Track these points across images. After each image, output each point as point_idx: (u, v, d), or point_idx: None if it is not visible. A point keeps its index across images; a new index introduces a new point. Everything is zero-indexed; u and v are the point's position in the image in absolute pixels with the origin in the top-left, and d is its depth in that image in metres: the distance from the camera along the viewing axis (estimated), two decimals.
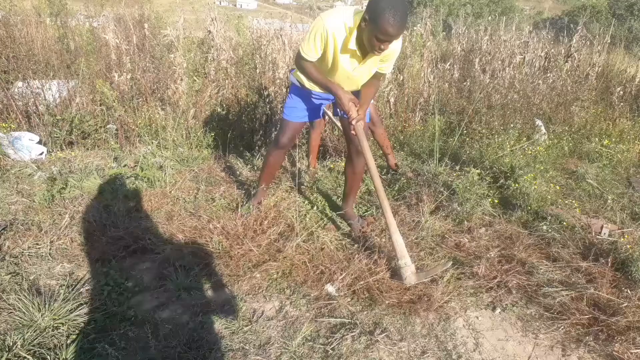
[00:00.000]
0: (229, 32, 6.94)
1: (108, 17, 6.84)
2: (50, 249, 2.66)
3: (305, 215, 3.18)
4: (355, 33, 2.40)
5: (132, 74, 5.09)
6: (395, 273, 2.60)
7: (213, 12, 6.80)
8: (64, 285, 2.38)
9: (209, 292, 2.45)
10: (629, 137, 4.98)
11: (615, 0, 26.05)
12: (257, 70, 5.58)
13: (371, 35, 2.28)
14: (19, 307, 2.12)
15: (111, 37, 5.78)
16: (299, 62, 2.63)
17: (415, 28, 7.32)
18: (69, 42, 6.74)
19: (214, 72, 5.95)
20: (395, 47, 2.52)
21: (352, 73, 2.62)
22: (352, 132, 2.73)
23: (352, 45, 2.44)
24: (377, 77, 2.73)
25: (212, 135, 4.32)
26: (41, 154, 3.99)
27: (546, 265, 2.82)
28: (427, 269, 2.68)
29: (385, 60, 2.60)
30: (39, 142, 4.10)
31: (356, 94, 2.80)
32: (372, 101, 3.98)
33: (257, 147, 4.45)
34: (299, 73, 2.81)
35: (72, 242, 2.75)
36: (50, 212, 3.03)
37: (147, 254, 2.72)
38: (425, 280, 2.56)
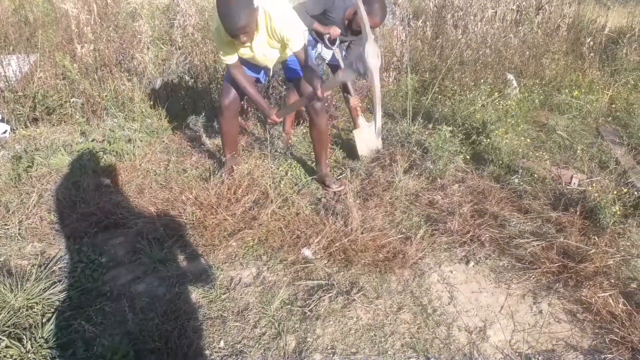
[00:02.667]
0: None
1: None
2: (19, 229, 2.61)
3: (279, 181, 3.17)
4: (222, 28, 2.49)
5: (95, 44, 4.91)
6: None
7: None
8: (35, 264, 2.35)
9: (185, 263, 2.45)
10: (598, 87, 5.02)
11: None
12: None
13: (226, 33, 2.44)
14: None
15: (70, 7, 5.54)
16: (230, 72, 2.85)
17: None
18: (26, 13, 6.45)
19: (180, 39, 5.78)
20: (277, 27, 2.58)
21: (255, 56, 2.75)
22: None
23: (227, 36, 2.52)
24: (302, 63, 2.80)
25: (181, 105, 4.22)
26: (4, 132, 3.86)
27: (518, 217, 2.88)
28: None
29: (283, 40, 2.65)
30: (2, 121, 3.96)
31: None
32: (342, 64, 3.94)
33: None
34: None
35: (42, 220, 2.70)
36: (17, 191, 2.96)
37: (119, 229, 2.69)
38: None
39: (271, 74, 3.11)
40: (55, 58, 4.44)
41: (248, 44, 2.60)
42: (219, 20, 2.42)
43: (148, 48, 5.20)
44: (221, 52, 2.73)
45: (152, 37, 5.48)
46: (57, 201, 2.85)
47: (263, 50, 2.73)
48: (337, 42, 3.58)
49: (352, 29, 3.50)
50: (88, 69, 4.61)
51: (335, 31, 3.45)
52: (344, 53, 3.73)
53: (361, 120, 3.77)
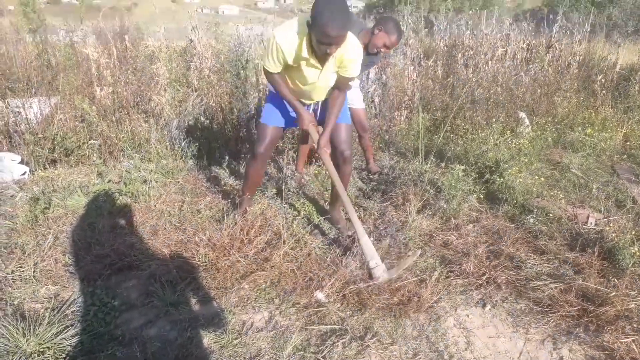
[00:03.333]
0: (211, 40, 6.93)
1: (87, 31, 6.79)
2: (34, 272, 2.63)
3: (292, 221, 3.17)
4: (305, 41, 2.45)
5: (114, 87, 5.06)
6: (369, 276, 2.61)
7: (194, 20, 6.79)
8: (49, 308, 2.35)
9: (197, 307, 2.43)
10: (611, 125, 5.01)
11: None
12: (240, 77, 5.56)
13: (315, 40, 2.34)
14: (3, 334, 2.09)
15: (91, 51, 5.74)
16: (267, 75, 2.72)
17: None
18: (49, 58, 6.69)
19: (197, 81, 5.93)
20: (351, 57, 2.56)
21: (317, 81, 2.67)
22: (317, 154, 2.86)
23: (305, 53, 2.48)
24: (339, 87, 2.75)
25: (196, 146, 4.29)
26: (24, 174, 3.95)
27: (534, 258, 2.83)
28: (397, 264, 2.69)
29: (344, 68, 2.62)
30: (21, 162, 4.05)
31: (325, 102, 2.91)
32: (363, 104, 4.00)
33: (242, 155, 4.43)
34: None
35: (57, 263, 2.72)
36: (33, 233, 3.00)
37: (133, 271, 2.69)
38: (396, 275, 2.58)
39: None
40: (75, 101, 4.57)
41: (318, 67, 2.56)
42: (291, 37, 2.41)
43: (165, 90, 5.34)
44: (267, 64, 2.60)
45: (169, 80, 5.63)
46: (72, 243, 2.87)
47: (328, 74, 2.66)
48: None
49: (367, 50, 3.53)
50: (106, 111, 4.74)
51: None
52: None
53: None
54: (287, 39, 2.47)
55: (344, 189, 2.89)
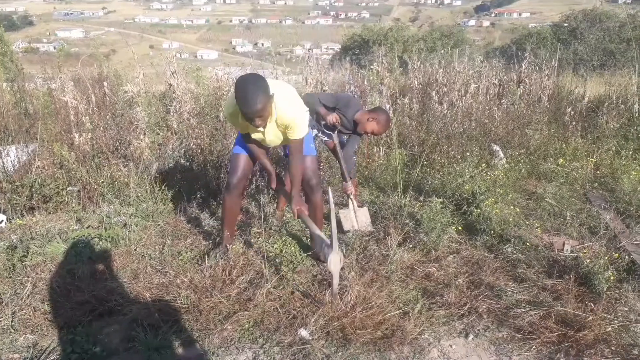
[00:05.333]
0: (190, 84, 7.04)
1: (65, 79, 6.83)
2: (12, 321, 2.57)
3: (274, 260, 3.18)
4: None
5: (93, 133, 5.08)
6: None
7: (172, 65, 6.91)
8: (27, 357, 2.30)
9: (180, 350, 2.40)
10: (582, 154, 5.18)
11: (558, 27, 27.48)
12: (219, 119, 5.64)
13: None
14: None
15: (69, 98, 5.78)
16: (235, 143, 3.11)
17: (372, 67, 7.58)
18: (26, 105, 6.71)
19: (177, 124, 5.99)
20: (287, 120, 2.76)
21: (265, 138, 2.91)
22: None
23: (243, 119, 2.69)
24: (292, 151, 2.93)
25: (176, 188, 4.30)
26: (0, 222, 3.89)
27: (513, 286, 2.88)
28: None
29: (288, 128, 2.81)
30: None
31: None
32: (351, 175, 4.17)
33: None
34: None
35: (35, 311, 2.66)
36: (11, 282, 2.94)
37: (114, 316, 2.65)
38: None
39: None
40: (54, 148, 4.56)
41: (261, 129, 2.76)
42: (235, 103, 2.56)
43: (144, 134, 5.37)
44: (226, 118, 2.93)
45: (149, 124, 5.68)
46: (51, 290, 2.83)
47: (274, 134, 2.88)
48: (336, 131, 3.84)
49: (356, 130, 3.93)
50: (85, 157, 4.74)
51: (333, 118, 3.79)
52: (344, 138, 3.99)
53: (354, 204, 3.87)
54: (231, 105, 2.70)
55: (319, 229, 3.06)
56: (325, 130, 3.92)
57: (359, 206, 3.98)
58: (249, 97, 2.48)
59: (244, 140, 3.06)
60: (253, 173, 4.12)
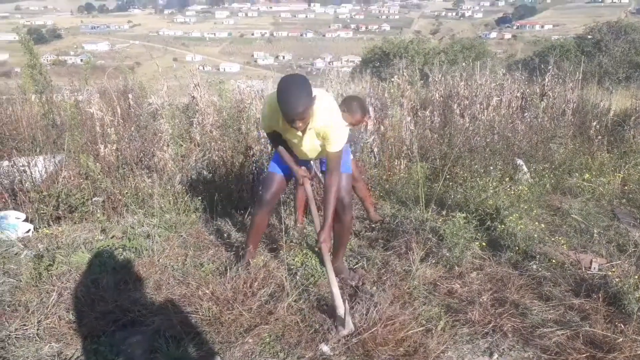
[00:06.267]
0: (213, 97, 7.13)
1: (92, 91, 6.99)
2: (37, 330, 2.61)
3: (295, 273, 3.17)
4: None
5: (118, 144, 5.17)
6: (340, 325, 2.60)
7: (196, 78, 7.02)
8: None
9: None
10: (608, 170, 5.08)
11: (582, 39, 27.18)
12: (242, 131, 5.69)
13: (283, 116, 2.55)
14: None
15: (96, 110, 5.91)
16: (266, 133, 2.98)
17: (393, 79, 7.58)
18: (54, 117, 6.87)
19: (199, 136, 6.06)
20: (326, 125, 2.67)
21: (302, 144, 2.82)
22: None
23: (285, 123, 2.65)
24: (329, 168, 2.81)
25: (199, 199, 4.34)
26: (28, 231, 3.98)
27: (539, 305, 2.82)
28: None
29: (325, 138, 2.73)
30: (26, 220, 4.09)
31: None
32: (354, 155, 4.09)
33: (245, 207, 4.47)
34: None
35: (60, 320, 2.70)
36: (37, 290, 2.99)
37: (137, 327, 2.67)
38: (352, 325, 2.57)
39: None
40: (80, 159, 4.66)
41: (299, 134, 2.71)
42: (276, 103, 2.52)
43: (168, 145, 5.45)
44: (261, 123, 2.92)
45: (172, 135, 5.76)
46: (76, 300, 2.87)
47: (311, 142, 2.80)
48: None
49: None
50: (110, 168, 4.82)
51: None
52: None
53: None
54: (273, 104, 2.63)
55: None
56: None
57: (375, 222, 3.91)
58: (292, 98, 2.42)
59: (281, 158, 3.01)
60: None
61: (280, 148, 2.95)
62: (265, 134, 2.94)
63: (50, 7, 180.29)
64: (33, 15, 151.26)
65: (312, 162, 3.19)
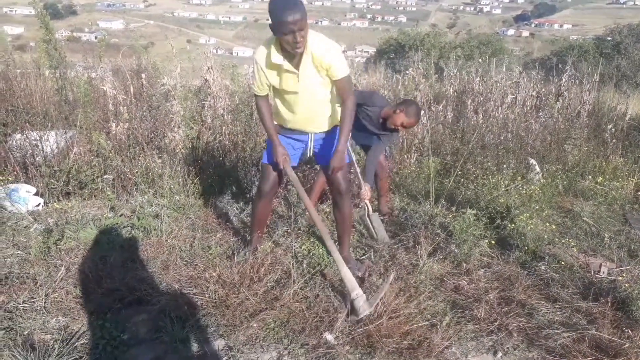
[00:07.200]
0: (225, 80, 7.11)
1: (106, 69, 6.99)
2: (45, 303, 2.63)
3: (302, 260, 3.17)
4: (273, 48, 2.56)
5: (129, 123, 5.17)
6: (351, 309, 2.61)
7: (209, 61, 6.99)
8: (58, 339, 2.34)
9: (205, 344, 2.41)
10: (622, 174, 5.01)
11: (601, 40, 26.80)
12: (253, 116, 5.68)
13: (280, 34, 2.43)
14: None
15: (109, 88, 5.90)
16: (255, 101, 2.86)
17: (407, 72, 7.51)
18: (67, 93, 6.87)
19: (211, 119, 6.05)
20: (323, 50, 2.57)
21: (299, 90, 2.68)
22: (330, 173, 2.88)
23: (276, 59, 2.57)
24: (342, 94, 2.74)
25: (209, 182, 4.34)
26: (38, 205, 4.00)
27: (546, 306, 2.80)
28: (374, 294, 2.70)
29: (329, 67, 2.62)
30: (36, 194, 4.11)
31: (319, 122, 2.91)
32: (390, 155, 4.05)
33: (254, 192, 4.46)
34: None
35: (67, 294, 2.72)
36: (46, 264, 3.02)
37: (143, 305, 2.69)
38: (374, 307, 2.58)
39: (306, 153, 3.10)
40: (92, 136, 4.67)
41: (296, 72, 2.60)
42: (265, 56, 2.54)
43: (179, 127, 5.45)
44: (255, 86, 2.76)
45: (184, 117, 5.75)
46: (83, 276, 2.88)
47: (311, 82, 2.66)
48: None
49: (384, 126, 3.77)
50: (121, 147, 4.83)
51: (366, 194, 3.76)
52: (374, 138, 3.86)
53: (368, 209, 3.78)
54: (260, 52, 2.65)
55: (320, 221, 2.91)
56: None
57: (377, 213, 3.92)
58: (289, 4, 2.36)
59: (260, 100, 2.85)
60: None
61: (268, 125, 2.84)
62: (255, 104, 2.87)
63: None
64: None
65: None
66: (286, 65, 2.59)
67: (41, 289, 2.72)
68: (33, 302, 2.64)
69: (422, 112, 4.15)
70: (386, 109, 3.73)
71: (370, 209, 3.78)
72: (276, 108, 2.90)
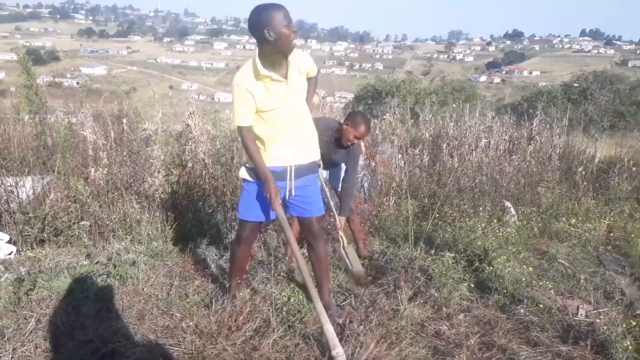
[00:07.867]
0: (207, 125, 7.16)
1: (87, 114, 6.99)
2: (12, 358, 2.53)
3: (282, 308, 3.13)
4: (259, 62, 2.60)
5: (109, 168, 5.14)
6: None
7: (191, 106, 7.06)
8: None
9: None
10: (594, 216, 5.13)
11: (568, 87, 27.96)
12: (234, 161, 5.70)
13: (280, 27, 2.50)
14: None
15: (89, 133, 5.89)
16: (241, 138, 2.76)
17: (385, 117, 7.69)
18: (46, 138, 6.83)
19: (191, 164, 6.05)
20: (301, 59, 2.77)
21: (289, 99, 2.71)
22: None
23: (264, 71, 2.60)
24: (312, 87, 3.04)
25: (188, 227, 4.30)
26: (10, 253, 3.89)
27: (527, 350, 2.80)
28: (355, 356, 2.62)
29: (308, 69, 2.86)
30: (9, 242, 4.01)
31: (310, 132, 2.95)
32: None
33: (233, 236, 4.43)
34: (248, 166, 2.87)
35: (37, 348, 2.62)
36: (15, 316, 2.91)
37: (117, 358, 2.59)
38: None
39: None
40: (70, 182, 4.61)
41: (283, 79, 2.67)
42: (246, 82, 2.59)
43: (159, 172, 5.43)
44: (239, 118, 2.65)
45: (164, 162, 5.75)
46: (54, 327, 2.79)
47: (296, 80, 2.74)
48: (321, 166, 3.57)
49: (339, 144, 3.73)
50: (100, 192, 4.78)
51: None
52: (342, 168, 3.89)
53: (343, 241, 3.80)
54: (241, 75, 2.65)
55: (306, 270, 2.81)
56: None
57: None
58: (274, 3, 2.52)
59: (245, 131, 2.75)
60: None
61: (258, 157, 2.70)
62: (241, 139, 2.76)
63: (51, 30, 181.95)
64: (32, 37, 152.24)
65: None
66: (274, 75, 2.63)
67: (8, 342, 2.61)
68: (0, 357, 2.53)
69: (371, 123, 4.15)
70: (336, 129, 3.71)
71: (345, 241, 3.76)
72: (259, 145, 2.78)
